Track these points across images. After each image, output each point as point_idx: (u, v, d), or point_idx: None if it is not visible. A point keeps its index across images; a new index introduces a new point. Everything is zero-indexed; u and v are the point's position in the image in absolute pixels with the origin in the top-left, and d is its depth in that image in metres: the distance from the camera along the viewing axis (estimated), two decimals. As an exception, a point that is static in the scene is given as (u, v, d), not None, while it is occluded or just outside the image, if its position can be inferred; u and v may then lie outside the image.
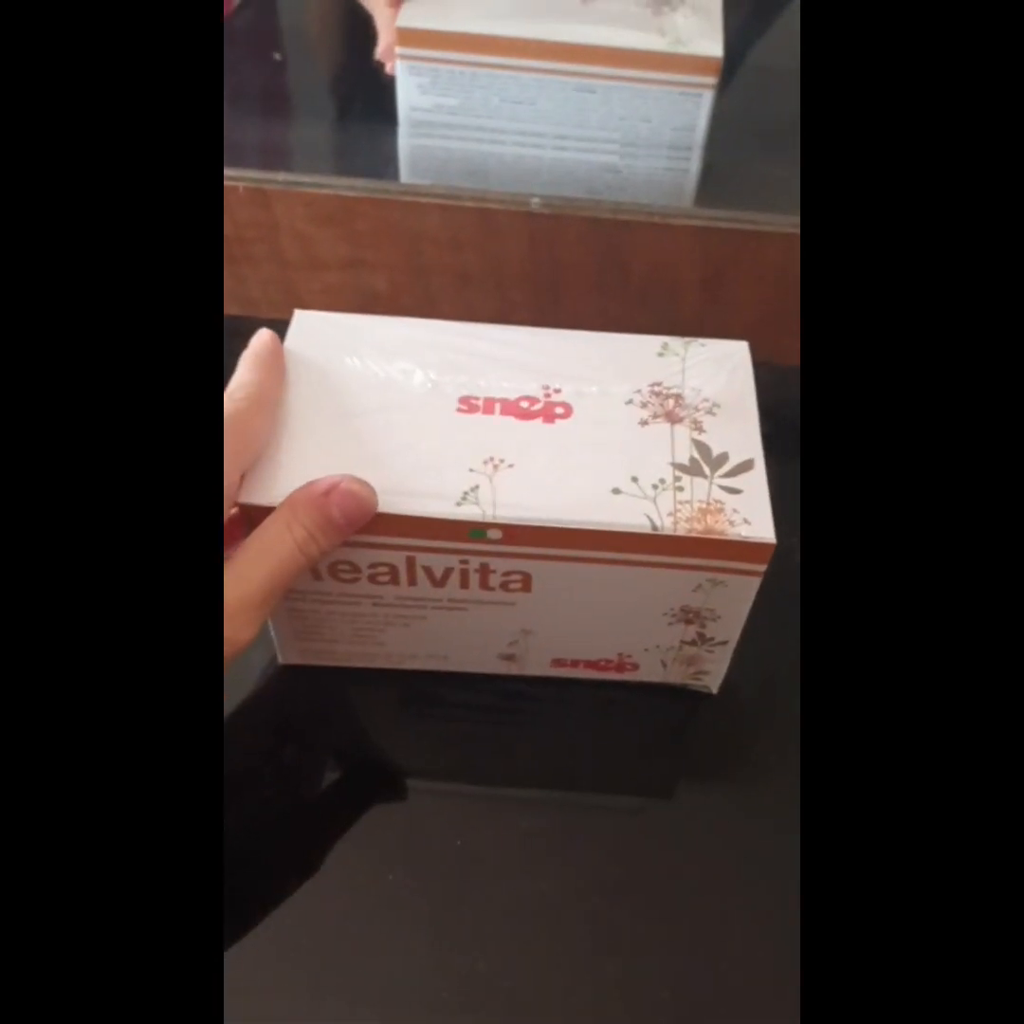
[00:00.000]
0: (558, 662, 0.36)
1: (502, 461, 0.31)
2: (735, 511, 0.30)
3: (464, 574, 0.31)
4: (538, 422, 0.32)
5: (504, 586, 0.32)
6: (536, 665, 0.36)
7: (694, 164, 0.48)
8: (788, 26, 0.57)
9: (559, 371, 0.33)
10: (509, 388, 0.33)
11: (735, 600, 0.32)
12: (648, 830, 0.34)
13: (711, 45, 0.45)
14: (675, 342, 0.35)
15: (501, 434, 0.31)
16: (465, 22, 0.46)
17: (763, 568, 0.31)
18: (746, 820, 0.35)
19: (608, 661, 0.35)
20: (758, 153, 0.50)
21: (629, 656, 0.35)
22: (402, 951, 0.31)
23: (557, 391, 0.33)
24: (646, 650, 0.35)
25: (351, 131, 0.52)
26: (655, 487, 0.30)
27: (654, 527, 0.30)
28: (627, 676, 0.36)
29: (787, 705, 0.37)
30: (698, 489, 0.31)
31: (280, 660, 0.37)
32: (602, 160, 0.48)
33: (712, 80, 0.45)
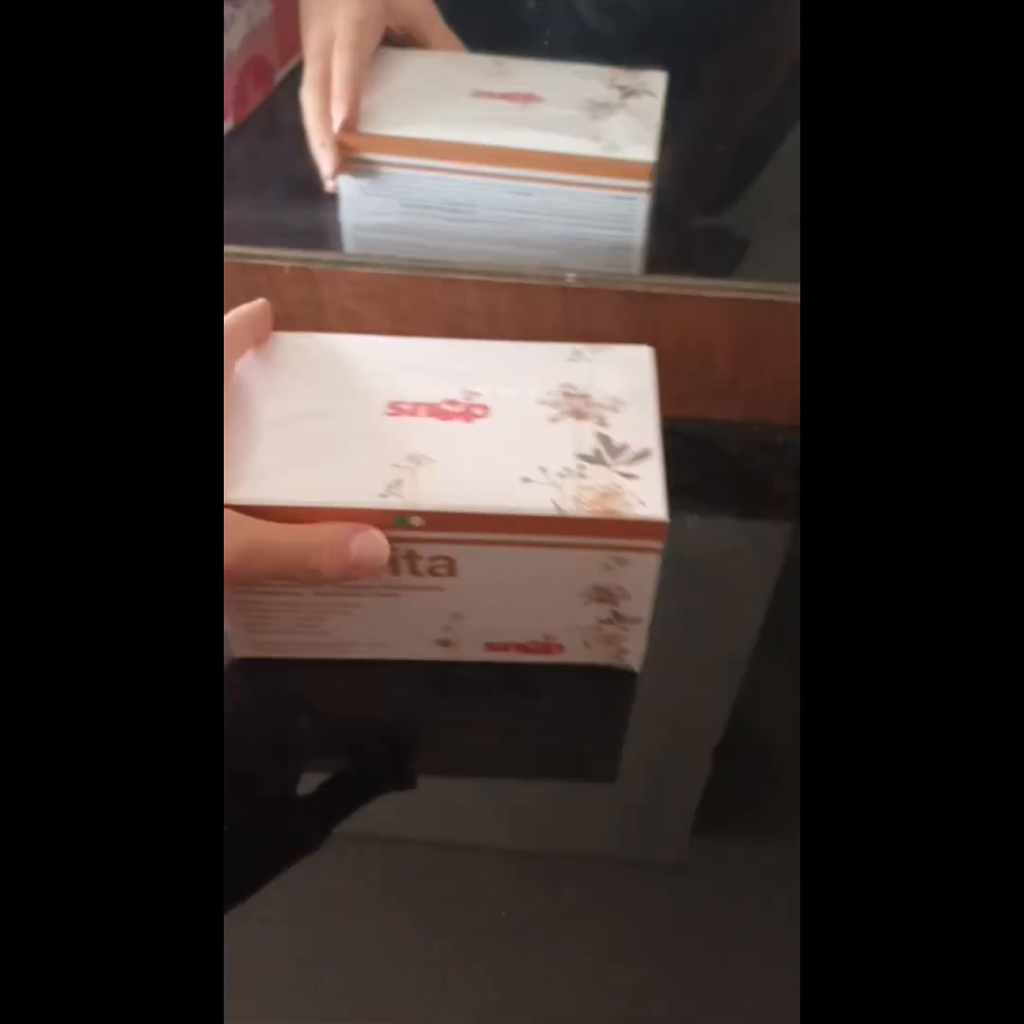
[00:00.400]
0: (491, 646, 0.39)
1: (424, 457, 0.34)
2: (632, 494, 0.33)
3: (393, 561, 0.34)
4: (458, 422, 0.35)
5: (432, 571, 0.35)
6: (471, 649, 0.39)
7: (635, 264, 0.49)
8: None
9: (480, 376, 0.37)
10: (434, 393, 0.36)
11: (640, 578, 0.35)
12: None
13: (643, 150, 0.46)
14: (586, 348, 0.38)
15: (425, 434, 0.35)
16: (407, 127, 0.48)
17: (660, 545, 0.34)
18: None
19: (536, 643, 0.38)
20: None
21: (554, 637, 0.38)
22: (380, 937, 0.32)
23: (476, 394, 0.36)
24: (568, 631, 0.38)
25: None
26: (561, 475, 0.34)
27: (559, 510, 0.33)
28: (555, 658, 0.39)
29: (710, 681, 0.41)
30: (599, 476, 0.34)
31: (234, 653, 0.39)
32: (543, 258, 0.49)
33: (644, 184, 0.46)
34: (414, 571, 0.35)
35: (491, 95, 0.49)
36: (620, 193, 0.47)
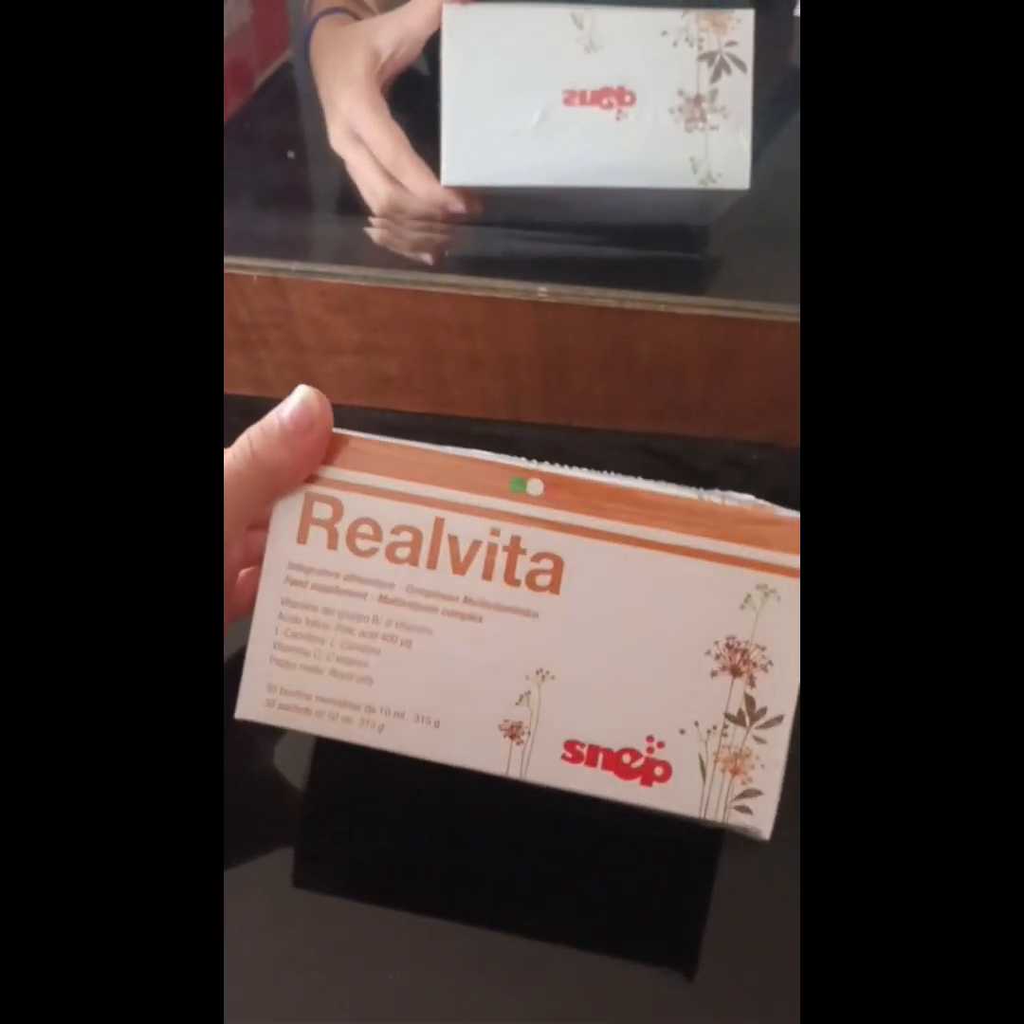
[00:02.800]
0: (573, 746, 0.31)
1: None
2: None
3: (491, 553, 0.30)
4: None
5: (531, 580, 0.30)
6: (545, 747, 0.31)
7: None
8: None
9: None
10: None
11: (787, 631, 0.30)
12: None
13: (738, 176, 0.47)
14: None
15: None
16: (508, 168, 0.48)
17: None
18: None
19: (634, 754, 0.30)
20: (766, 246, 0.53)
21: (661, 744, 0.30)
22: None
23: None
24: (683, 732, 0.30)
25: (356, 223, 0.54)
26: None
27: (700, 497, 0.30)
28: (655, 791, 0.30)
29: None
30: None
31: (239, 709, 0.31)
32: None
33: (736, 197, 0.48)
34: (510, 577, 0.30)
35: (583, 96, 0.48)
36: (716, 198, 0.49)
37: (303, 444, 0.30)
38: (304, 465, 0.30)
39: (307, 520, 0.31)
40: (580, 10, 0.47)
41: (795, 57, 0.61)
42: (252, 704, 0.31)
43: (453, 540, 0.30)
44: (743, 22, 0.47)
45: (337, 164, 0.51)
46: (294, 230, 0.50)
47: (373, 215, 0.52)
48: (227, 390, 0.49)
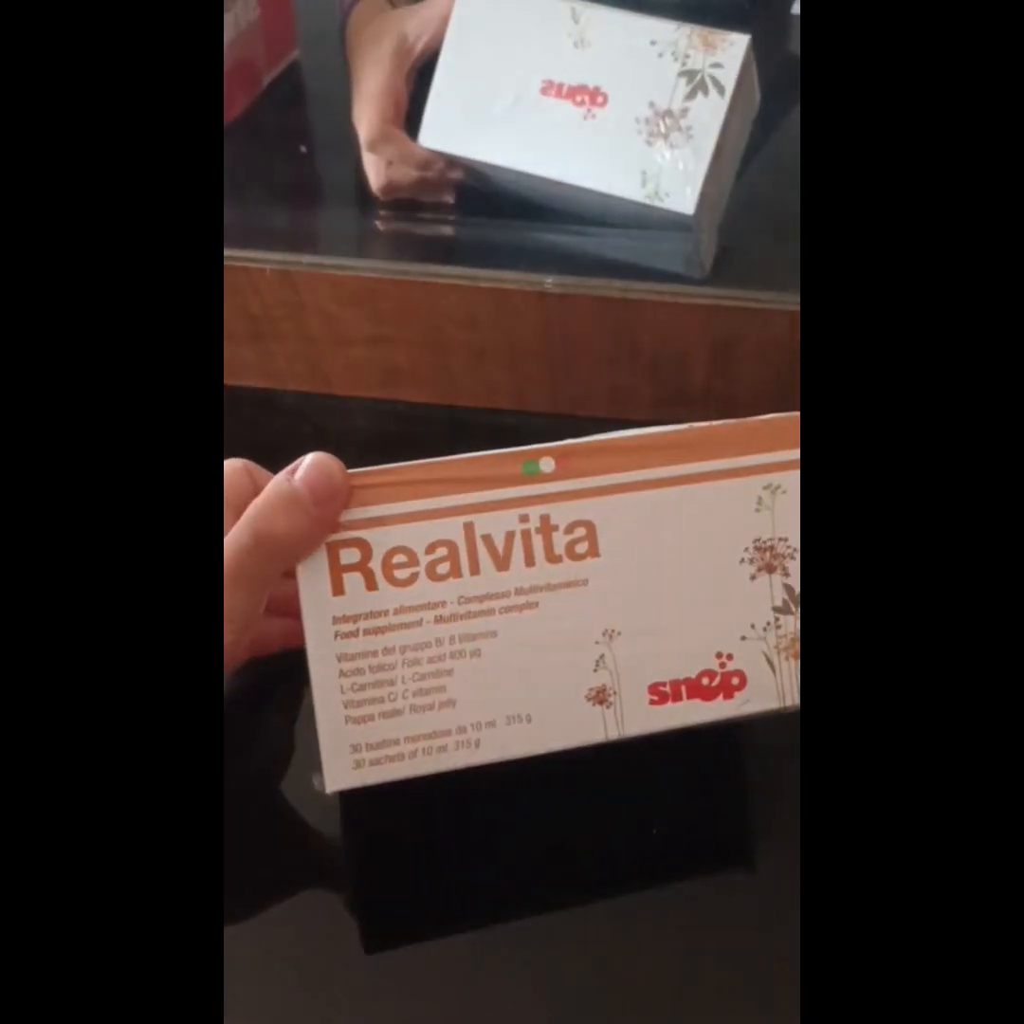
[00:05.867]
0: (657, 689, 0.32)
1: None
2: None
3: (526, 539, 0.31)
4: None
5: (570, 551, 0.31)
6: (633, 700, 0.31)
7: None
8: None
9: None
10: None
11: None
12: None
13: (686, 199, 0.47)
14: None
15: None
16: (474, 142, 0.50)
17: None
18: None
19: (710, 674, 0.32)
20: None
21: (730, 656, 0.32)
22: None
23: None
24: (744, 639, 0.32)
25: (366, 216, 0.55)
26: None
27: (691, 427, 0.32)
28: (738, 701, 0.32)
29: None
30: None
31: (329, 783, 0.30)
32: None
33: (685, 224, 0.48)
34: (551, 555, 0.31)
35: (559, 89, 0.49)
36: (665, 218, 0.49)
37: (324, 513, 0.30)
38: (326, 530, 0.30)
39: (337, 570, 0.30)
40: (580, 6, 0.48)
41: (795, 46, 0.62)
42: (340, 773, 0.30)
43: (487, 539, 0.31)
44: (735, 46, 0.47)
45: (347, 159, 0.52)
46: (305, 224, 0.51)
47: (381, 207, 0.53)
48: (239, 382, 0.50)
